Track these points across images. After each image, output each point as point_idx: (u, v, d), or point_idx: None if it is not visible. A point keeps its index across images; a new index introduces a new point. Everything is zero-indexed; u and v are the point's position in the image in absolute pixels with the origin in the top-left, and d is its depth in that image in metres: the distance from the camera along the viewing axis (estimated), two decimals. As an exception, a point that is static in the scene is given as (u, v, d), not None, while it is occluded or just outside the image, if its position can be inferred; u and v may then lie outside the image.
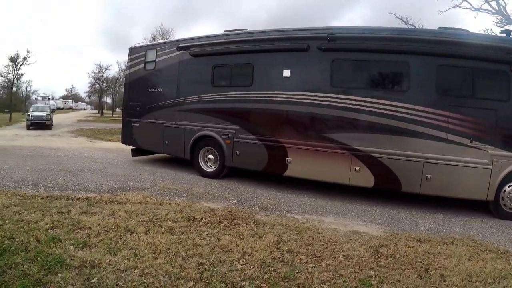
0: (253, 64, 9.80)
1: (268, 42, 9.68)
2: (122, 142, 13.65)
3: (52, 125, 30.55)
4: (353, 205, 8.38)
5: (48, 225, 5.68)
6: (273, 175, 9.96)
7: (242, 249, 5.14)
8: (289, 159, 9.25)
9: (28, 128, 28.59)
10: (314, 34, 9.02)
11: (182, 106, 11.18)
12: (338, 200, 8.67)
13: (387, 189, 8.63)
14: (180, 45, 11.29)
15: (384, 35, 8.45)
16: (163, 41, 11.72)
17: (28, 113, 30.54)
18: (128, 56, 13.13)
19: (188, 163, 11.40)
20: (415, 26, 23.51)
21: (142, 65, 12.45)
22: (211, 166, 10.86)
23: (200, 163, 10.98)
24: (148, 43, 13.06)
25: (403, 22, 24.79)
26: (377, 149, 8.26)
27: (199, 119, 10.79)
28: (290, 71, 9.21)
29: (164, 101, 11.70)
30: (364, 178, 8.43)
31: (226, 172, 10.55)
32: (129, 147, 13.07)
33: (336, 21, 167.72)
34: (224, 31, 10.71)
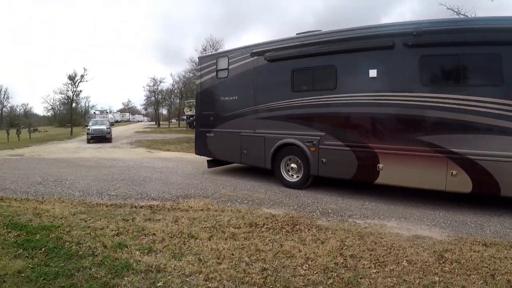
0: (336, 66, 9.25)
1: (350, 41, 9.10)
2: (196, 153, 13.48)
3: (112, 138, 31.27)
4: (415, 208, 8.01)
5: (114, 231, 5.89)
6: (362, 183, 9.50)
7: (305, 255, 5.08)
8: (380, 165, 8.63)
9: (89, 141, 29.41)
10: (399, 29, 8.47)
11: (260, 114, 10.79)
12: (400, 204, 8.34)
13: (485, 194, 8.02)
14: (254, 51, 10.91)
15: (475, 26, 7.87)
16: (234, 48, 11.11)
17: (88, 127, 31.50)
18: (198, 65, 12.84)
19: (248, 170, 11.44)
20: (467, 16, 22.27)
21: (214, 74, 12.20)
22: (293, 176, 10.31)
23: (282, 173, 10.48)
24: (218, 51, 12.95)
25: (455, 13, 23.51)
26: (474, 151, 7.54)
27: (279, 126, 10.34)
28: (377, 71, 8.66)
29: (240, 110, 11.34)
30: (462, 182, 7.73)
31: (310, 181, 10.00)
32: (188, 156, 13.39)
33: (386, 18, 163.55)
34: (297, 34, 10.36)
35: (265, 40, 11.16)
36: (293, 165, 10.32)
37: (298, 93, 10.00)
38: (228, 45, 43.45)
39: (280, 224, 6.49)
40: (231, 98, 11.74)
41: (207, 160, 12.86)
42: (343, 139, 9.14)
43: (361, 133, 9.00)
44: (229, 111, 11.71)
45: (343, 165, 9.20)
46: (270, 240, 5.67)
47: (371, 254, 5.15)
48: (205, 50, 48.07)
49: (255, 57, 10.87)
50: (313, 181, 9.98)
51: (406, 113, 8.33)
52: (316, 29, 10.24)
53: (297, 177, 10.21)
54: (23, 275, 4.35)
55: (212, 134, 12.34)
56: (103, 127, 31.01)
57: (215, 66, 12.14)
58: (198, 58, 12.95)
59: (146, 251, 5.08)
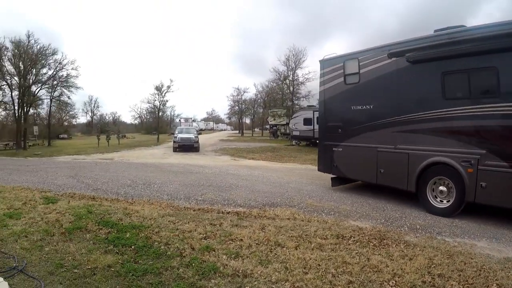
0: (498, 68, 7.53)
1: None
2: (319, 169, 12.26)
3: (199, 147, 29.60)
4: (508, 229, 7.39)
5: (202, 235, 6.14)
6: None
7: (392, 270, 4.96)
8: None
9: (175, 150, 28.44)
10: None
11: (402, 126, 9.33)
12: (491, 224, 7.72)
13: None
14: (392, 51, 9.47)
15: None
16: (364, 49, 9.61)
17: (175, 135, 30.24)
18: (320, 70, 11.74)
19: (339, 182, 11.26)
20: None
21: (341, 79, 10.99)
22: (442, 201, 8.70)
23: (428, 196, 8.89)
24: (345, 53, 11.39)
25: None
26: None
27: (427, 141, 8.87)
28: None
29: (377, 121, 9.99)
30: None
31: (461, 208, 8.32)
32: (273, 165, 13.45)
33: (473, 19, 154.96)
34: (435, 31, 8.90)
35: (403, 39, 9.58)
36: (442, 188, 8.72)
37: (451, 101, 8.41)
38: (312, 54, 43.28)
39: (367, 238, 6.38)
40: (364, 107, 10.44)
41: (332, 178, 11.75)
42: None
43: None
44: (362, 122, 10.44)
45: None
46: (357, 253, 5.60)
47: (459, 275, 4.95)
48: (288, 60, 48.47)
49: (393, 59, 9.49)
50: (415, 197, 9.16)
51: None
52: (445, 27, 8.78)
53: (447, 202, 8.63)
54: (112, 269, 4.70)
55: (340, 149, 11.15)
56: (191, 135, 29.77)
57: (342, 71, 10.96)
58: (320, 61, 11.76)
59: (233, 255, 5.22)
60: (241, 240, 5.91)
